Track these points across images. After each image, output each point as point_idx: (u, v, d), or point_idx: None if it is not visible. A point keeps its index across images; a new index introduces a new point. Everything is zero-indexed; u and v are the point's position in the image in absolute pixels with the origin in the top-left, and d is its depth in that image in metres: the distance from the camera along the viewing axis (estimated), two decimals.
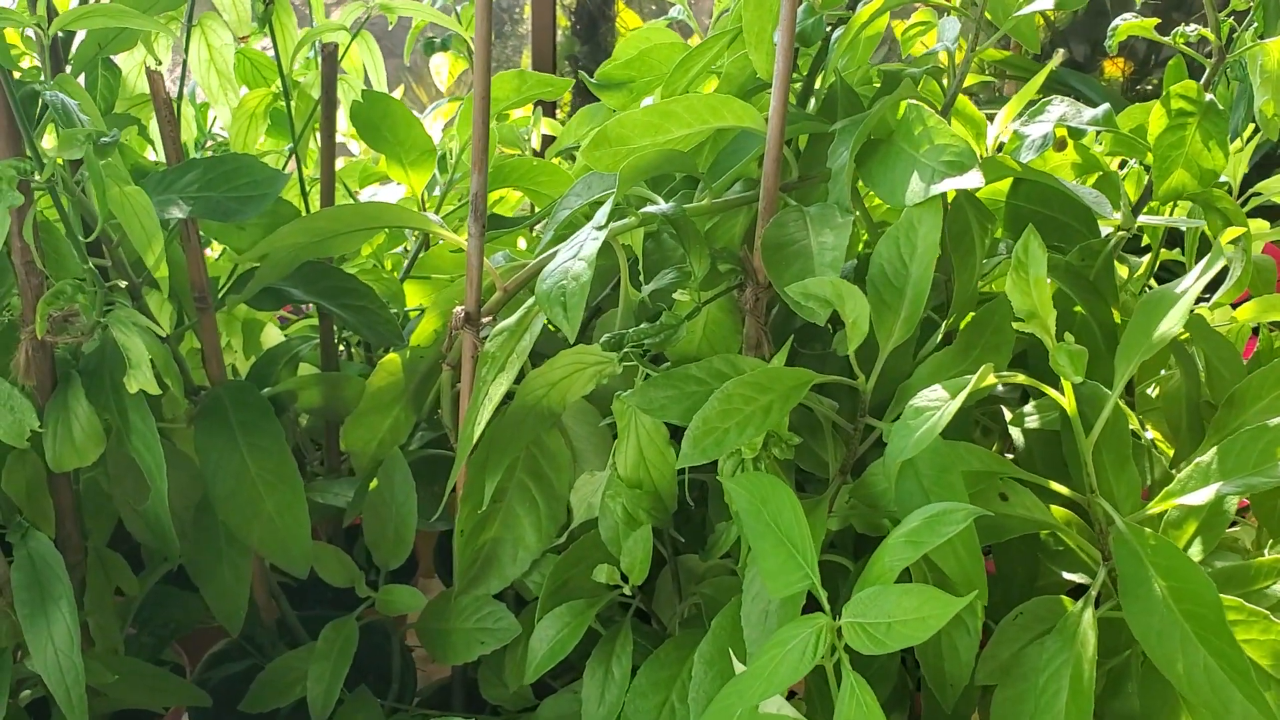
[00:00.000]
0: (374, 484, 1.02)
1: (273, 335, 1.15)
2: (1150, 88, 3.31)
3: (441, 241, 1.18)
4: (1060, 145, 1.16)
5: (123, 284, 0.84)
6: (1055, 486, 0.83)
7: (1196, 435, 1.07)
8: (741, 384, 0.79)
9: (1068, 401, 0.78)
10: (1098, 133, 1.16)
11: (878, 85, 1.10)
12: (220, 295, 1.00)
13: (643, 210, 0.91)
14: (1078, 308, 1.03)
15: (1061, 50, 2.65)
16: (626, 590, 0.92)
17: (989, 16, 1.08)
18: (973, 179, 0.81)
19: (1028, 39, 1.08)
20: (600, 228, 0.85)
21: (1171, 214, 1.23)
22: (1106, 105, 1.07)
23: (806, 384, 0.80)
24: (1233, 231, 0.92)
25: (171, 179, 0.89)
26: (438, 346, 1.04)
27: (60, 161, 0.73)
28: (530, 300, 0.93)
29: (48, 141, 0.92)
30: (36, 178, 0.70)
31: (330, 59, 1.01)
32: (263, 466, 0.95)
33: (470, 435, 0.89)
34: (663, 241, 1.07)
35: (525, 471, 0.96)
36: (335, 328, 1.13)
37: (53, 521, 0.93)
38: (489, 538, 0.97)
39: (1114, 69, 3.12)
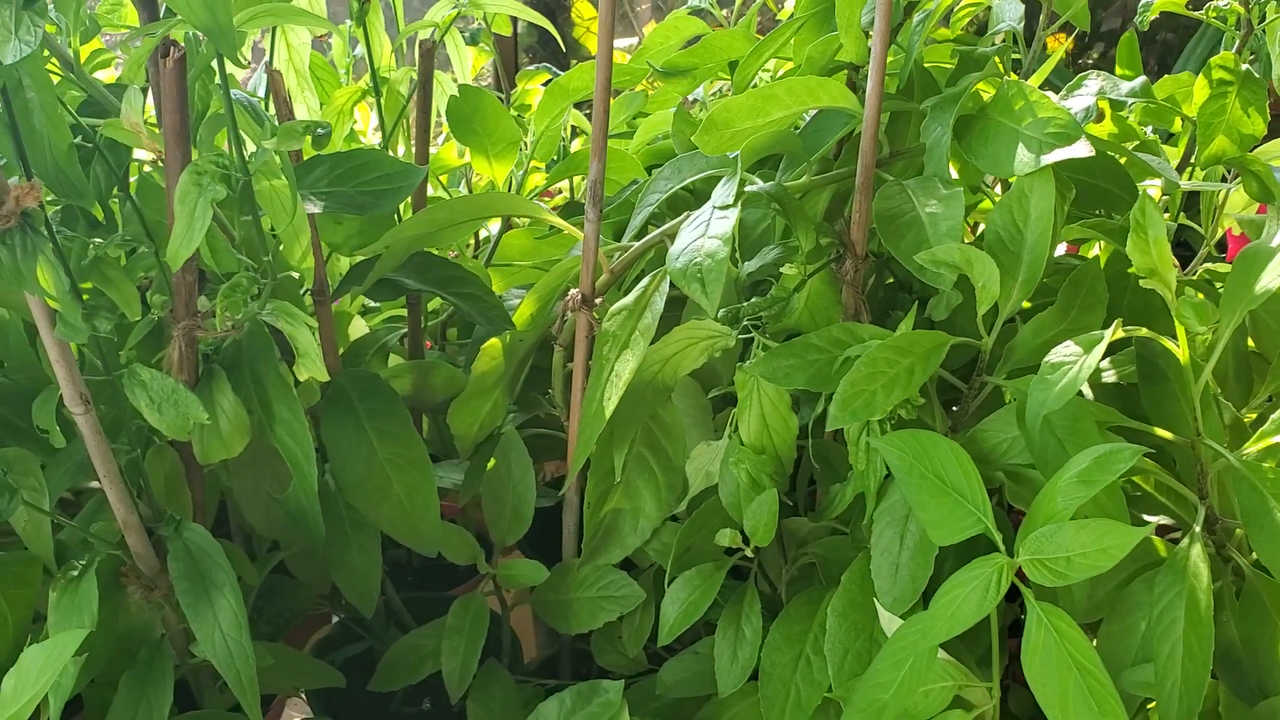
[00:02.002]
0: (491, 463, 1.05)
1: (358, 327, 1.17)
2: (1090, 61, 3.43)
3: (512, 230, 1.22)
4: (1099, 117, 1.22)
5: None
6: (1160, 432, 0.89)
7: (1244, 385, 1.14)
8: (885, 348, 0.84)
9: (1182, 351, 0.84)
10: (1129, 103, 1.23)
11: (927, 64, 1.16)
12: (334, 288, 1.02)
13: (748, 189, 0.95)
14: (1133, 268, 1.09)
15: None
16: (748, 552, 0.96)
17: None
18: (1081, 148, 0.87)
19: (1080, 20, 1.14)
20: (726, 207, 0.90)
21: (1190, 178, 1.30)
22: (1143, 78, 1.14)
23: (944, 346, 0.85)
24: None
25: (299, 174, 0.92)
26: (537, 330, 1.08)
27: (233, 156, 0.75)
28: (645, 280, 0.97)
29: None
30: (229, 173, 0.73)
31: (427, 55, 1.03)
32: (391, 451, 0.99)
33: (601, 412, 0.93)
34: (742, 220, 1.12)
35: (643, 444, 1.00)
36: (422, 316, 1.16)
37: (190, 514, 0.95)
38: (609, 509, 1.01)
39: (1054, 44, 3.22)
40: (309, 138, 0.71)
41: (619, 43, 2.92)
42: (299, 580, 1.10)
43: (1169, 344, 0.85)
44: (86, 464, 0.90)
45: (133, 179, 0.99)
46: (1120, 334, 0.82)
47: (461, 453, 1.10)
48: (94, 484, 0.96)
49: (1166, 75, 1.25)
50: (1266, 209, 1.48)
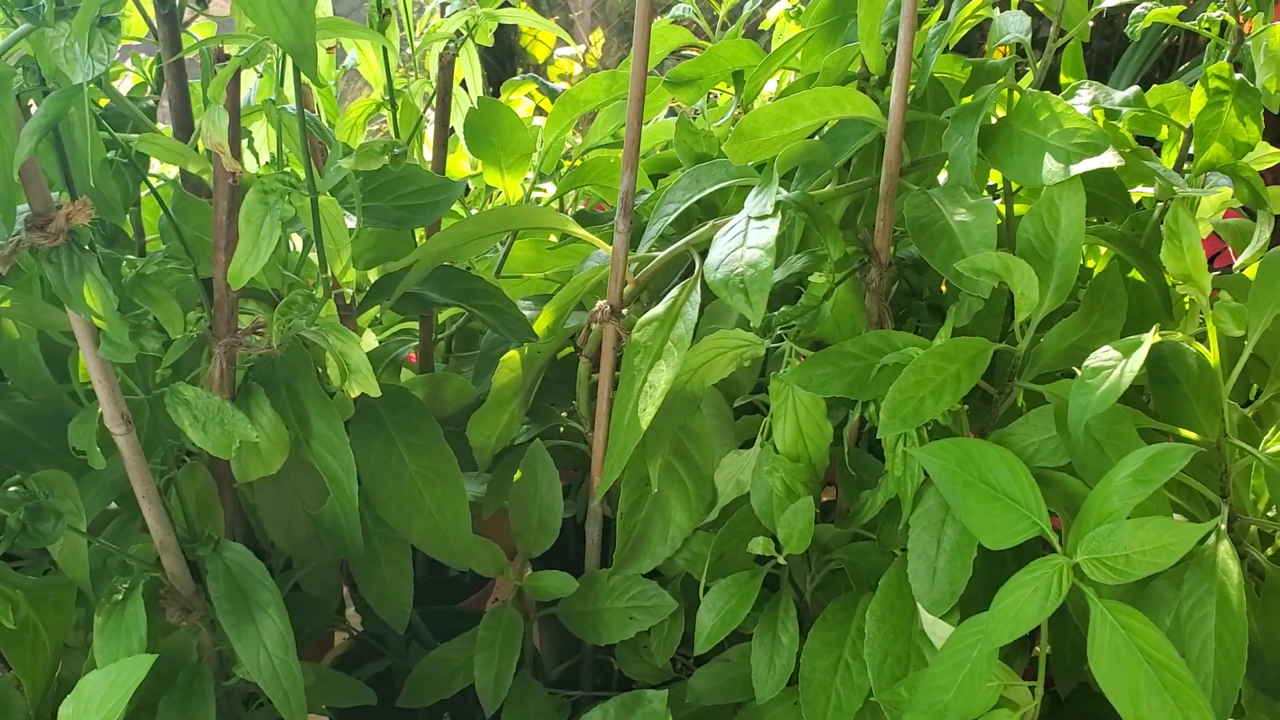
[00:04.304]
0: (517, 475, 1.05)
1: (368, 340, 1.16)
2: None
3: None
4: None
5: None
6: (1185, 432, 0.91)
7: (1242, 387, 1.17)
8: (932, 355, 0.85)
9: (1213, 354, 0.87)
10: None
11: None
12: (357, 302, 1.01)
13: (777, 199, 0.96)
14: (1133, 273, 1.12)
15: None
16: (780, 560, 0.97)
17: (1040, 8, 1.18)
18: (1109, 158, 0.89)
19: (1083, 33, 1.17)
20: (764, 216, 0.91)
21: None
22: (1136, 87, 1.16)
23: (988, 351, 0.86)
24: None
25: (333, 190, 0.91)
26: (554, 342, 1.08)
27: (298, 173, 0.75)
28: (674, 290, 0.98)
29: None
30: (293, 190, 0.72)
31: (447, 68, 1.03)
32: (421, 465, 0.98)
33: (636, 423, 0.93)
34: None
35: (671, 454, 1.01)
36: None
37: (223, 533, 0.93)
38: (639, 519, 1.01)
39: (999, 54, 3.29)
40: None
41: (565, 51, 2.92)
42: (316, 597, 1.09)
43: (1201, 348, 0.87)
44: (119, 485, 0.88)
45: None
46: (1157, 338, 0.85)
47: (480, 465, 1.09)
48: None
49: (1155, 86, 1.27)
50: (1234, 214, 1.53)
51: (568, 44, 2.24)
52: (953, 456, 0.84)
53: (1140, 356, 0.82)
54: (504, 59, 3.33)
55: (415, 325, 1.19)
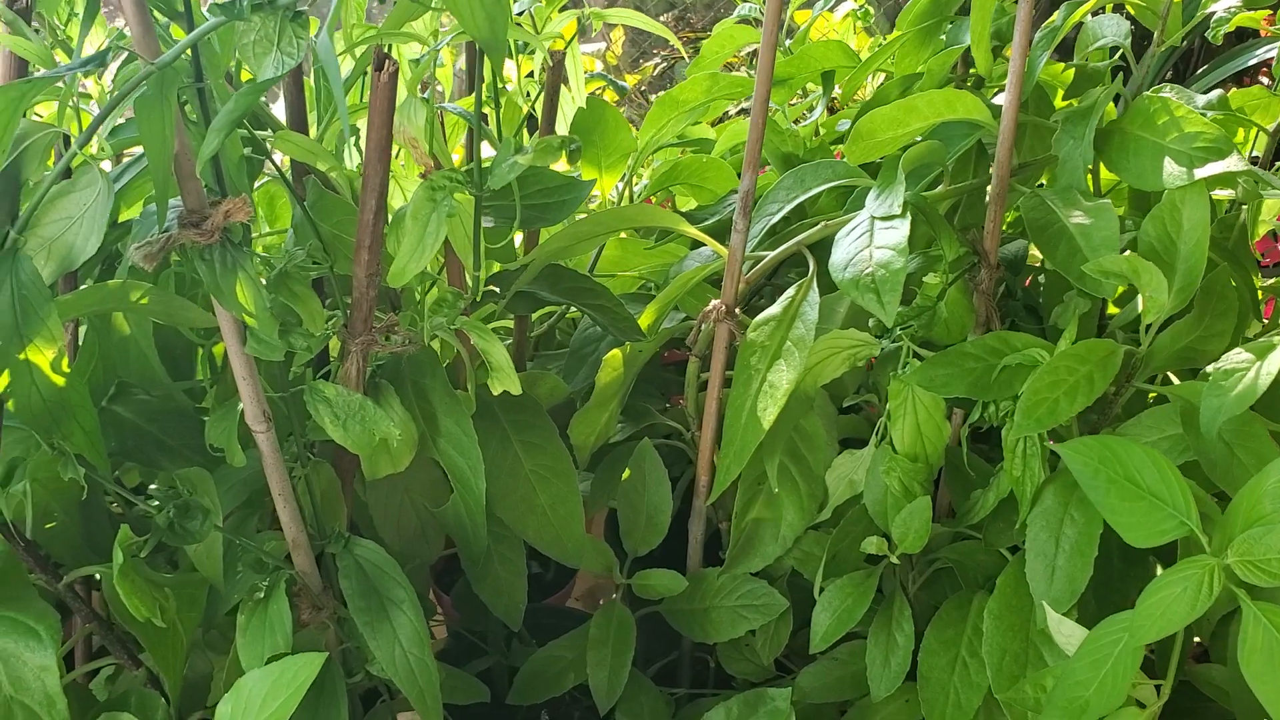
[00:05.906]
0: (626, 473, 1.05)
1: None
2: None
3: None
4: None
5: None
6: None
7: None
8: (1065, 356, 0.86)
9: None
10: None
11: None
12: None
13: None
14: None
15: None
16: (893, 560, 0.98)
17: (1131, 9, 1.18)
18: (1233, 162, 0.90)
19: (1175, 38, 1.18)
20: (891, 217, 0.91)
21: None
22: (1219, 90, 1.18)
23: (1118, 353, 0.87)
24: None
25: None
26: (656, 341, 1.08)
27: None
28: (791, 290, 0.98)
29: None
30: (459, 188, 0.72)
31: (556, 68, 1.03)
32: (536, 462, 0.98)
33: (756, 422, 0.93)
34: None
35: (784, 453, 1.01)
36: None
37: (344, 530, 0.93)
38: (750, 519, 1.02)
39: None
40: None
41: (585, 48, 2.91)
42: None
43: None
44: (251, 481, 0.88)
45: None
46: None
47: (580, 463, 1.09)
48: None
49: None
50: None
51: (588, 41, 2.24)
52: (1095, 454, 0.84)
53: (1277, 359, 0.82)
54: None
55: (506, 324, 1.19)
